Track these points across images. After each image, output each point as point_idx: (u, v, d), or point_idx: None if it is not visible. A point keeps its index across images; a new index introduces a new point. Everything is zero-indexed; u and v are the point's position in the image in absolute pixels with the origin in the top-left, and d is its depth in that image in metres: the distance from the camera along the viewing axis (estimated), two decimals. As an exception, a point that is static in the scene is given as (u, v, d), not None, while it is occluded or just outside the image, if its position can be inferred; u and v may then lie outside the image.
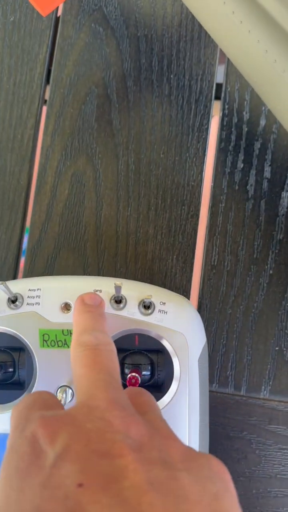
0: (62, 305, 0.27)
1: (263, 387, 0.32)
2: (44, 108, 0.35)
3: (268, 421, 0.32)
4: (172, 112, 0.35)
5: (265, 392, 0.32)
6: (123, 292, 0.27)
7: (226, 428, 0.32)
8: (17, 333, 0.27)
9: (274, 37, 0.24)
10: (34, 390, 0.26)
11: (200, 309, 0.32)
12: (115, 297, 0.27)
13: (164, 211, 0.34)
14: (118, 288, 0.25)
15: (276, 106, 0.26)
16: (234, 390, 0.32)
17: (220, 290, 0.33)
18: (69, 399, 0.26)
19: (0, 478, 0.17)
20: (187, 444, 0.26)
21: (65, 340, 0.26)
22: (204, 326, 0.30)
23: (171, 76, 0.35)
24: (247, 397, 0.32)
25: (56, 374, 0.26)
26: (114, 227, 0.34)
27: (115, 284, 0.25)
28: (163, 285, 0.33)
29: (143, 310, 0.27)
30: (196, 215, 0.33)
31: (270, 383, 0.32)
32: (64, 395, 0.26)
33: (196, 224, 0.33)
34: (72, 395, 0.26)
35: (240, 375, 0.32)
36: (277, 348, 0.32)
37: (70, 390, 0.26)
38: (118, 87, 0.35)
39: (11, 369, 0.27)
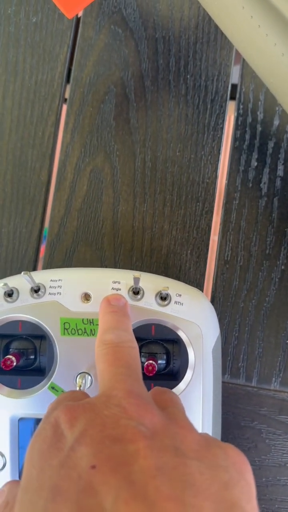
0: (82, 295, 0.28)
1: (273, 378, 0.33)
2: (64, 106, 0.37)
3: (278, 412, 0.33)
4: (188, 111, 0.36)
5: (275, 383, 0.33)
6: (141, 284, 0.28)
7: (237, 418, 0.33)
8: (39, 321, 0.28)
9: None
10: (54, 376, 0.28)
11: (213, 302, 0.33)
12: (133, 289, 0.28)
13: (179, 207, 0.35)
14: (136, 280, 0.26)
15: None
16: (246, 381, 0.33)
17: (233, 285, 0.34)
18: (88, 385, 0.27)
19: (25, 458, 0.18)
20: (200, 431, 0.27)
21: (85, 328, 0.28)
22: (218, 318, 0.31)
23: (188, 76, 0.36)
24: (258, 388, 0.33)
25: (76, 361, 0.28)
26: (131, 222, 0.35)
27: (134, 275, 0.26)
28: (177, 278, 0.34)
29: (160, 301, 0.28)
30: (210, 212, 0.35)
31: (281, 375, 0.33)
32: (84, 381, 0.27)
33: (210, 220, 0.35)
34: (91, 381, 0.27)
35: (252, 366, 0.33)
36: (287, 341, 0.33)
37: (90, 377, 0.27)
38: (136, 87, 0.36)
39: (32, 356, 0.28)
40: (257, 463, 0.32)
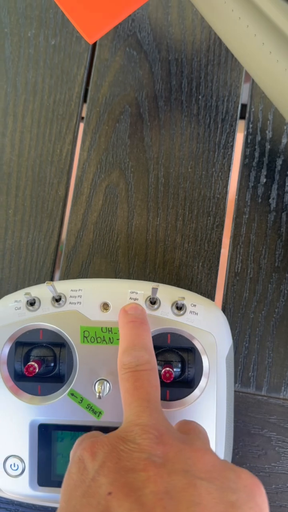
0: (101, 305, 0.29)
1: (283, 387, 0.34)
2: (81, 125, 0.38)
3: (288, 420, 0.34)
4: (200, 130, 0.37)
5: (285, 392, 0.34)
6: (157, 295, 0.29)
7: (247, 426, 0.34)
8: (60, 330, 0.29)
9: None
10: (74, 383, 0.29)
11: (224, 313, 0.34)
12: (150, 299, 0.29)
13: (191, 221, 0.36)
14: (154, 290, 0.27)
15: None
16: (256, 390, 0.34)
17: (243, 296, 0.35)
18: (107, 391, 0.28)
19: (61, 494, 0.21)
20: (213, 437, 0.28)
21: (103, 336, 0.29)
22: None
23: (199, 97, 0.38)
24: (268, 397, 0.34)
25: (95, 368, 0.29)
26: (144, 235, 0.36)
27: (152, 286, 0.27)
28: (189, 290, 0.35)
29: (175, 311, 0.29)
30: (221, 225, 0.36)
31: (290, 384, 0.34)
32: (102, 387, 0.28)
33: (221, 233, 0.36)
34: (110, 388, 0.28)
35: (262, 376, 0.34)
36: (296, 351, 0.34)
37: (108, 383, 0.29)
38: (150, 107, 0.38)
39: (52, 364, 0.29)
40: (267, 470, 0.33)
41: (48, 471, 0.29)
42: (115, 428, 0.29)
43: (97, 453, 0.21)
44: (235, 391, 0.34)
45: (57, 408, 0.29)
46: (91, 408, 0.29)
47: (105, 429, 0.29)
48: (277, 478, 0.33)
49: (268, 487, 0.33)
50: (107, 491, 0.19)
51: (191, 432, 0.23)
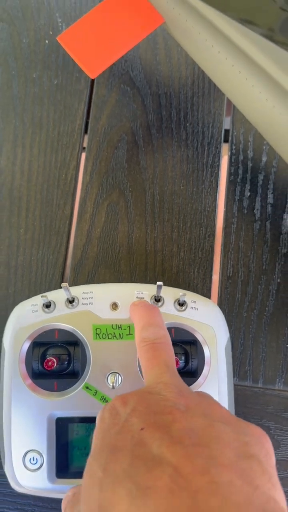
0: (111, 304, 0.31)
1: (277, 379, 0.36)
2: (83, 153, 0.41)
3: (284, 409, 0.35)
4: (189, 153, 0.41)
5: (279, 384, 0.35)
6: (161, 294, 0.31)
7: (247, 417, 0.35)
8: (74, 328, 0.31)
9: (273, 90, 0.30)
10: (88, 377, 0.30)
11: (220, 313, 0.36)
12: (155, 297, 0.31)
13: (185, 232, 0.39)
14: (159, 287, 0.30)
15: (276, 142, 0.32)
16: (252, 383, 0.36)
17: (236, 297, 0.37)
18: (119, 383, 0.30)
19: (93, 438, 0.23)
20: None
21: (114, 333, 0.31)
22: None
23: (187, 124, 0.41)
24: (264, 389, 0.35)
25: (107, 362, 0.30)
26: (144, 246, 0.38)
27: (157, 283, 0.29)
28: (187, 295, 0.37)
29: (178, 307, 0.31)
30: (212, 235, 0.39)
31: (284, 375, 0.36)
32: (115, 379, 0.30)
33: (213, 242, 0.39)
34: (121, 380, 0.30)
35: (257, 369, 0.36)
36: (287, 345, 0.36)
37: (120, 376, 0.30)
38: (144, 135, 0.41)
39: (67, 361, 0.31)
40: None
41: (65, 464, 0.30)
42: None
43: (128, 401, 0.22)
44: (233, 384, 0.35)
45: (73, 402, 0.30)
46: (104, 400, 0.30)
47: (118, 419, 0.30)
48: (278, 465, 0.34)
49: (271, 473, 0.34)
50: (139, 427, 0.20)
51: (205, 394, 0.25)
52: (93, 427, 0.30)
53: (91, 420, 0.30)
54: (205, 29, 0.32)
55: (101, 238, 0.39)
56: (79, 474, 0.30)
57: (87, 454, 0.31)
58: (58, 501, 0.33)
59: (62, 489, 0.30)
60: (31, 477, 0.30)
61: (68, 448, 0.30)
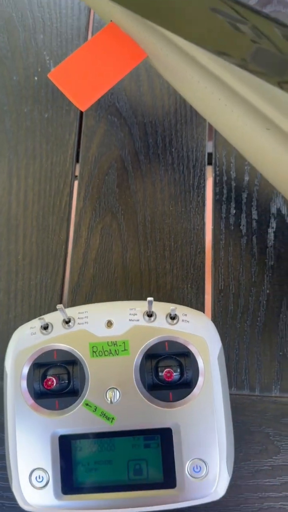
0: (106, 323, 0.32)
1: (273, 386, 0.36)
2: (76, 180, 0.43)
3: (281, 415, 0.35)
4: (176, 176, 0.42)
5: (276, 390, 0.36)
6: (153, 309, 0.32)
7: (246, 424, 0.35)
8: (72, 348, 0.32)
9: (252, 115, 0.32)
10: (87, 394, 0.31)
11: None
12: (147, 312, 0.32)
13: (177, 250, 0.40)
14: (150, 302, 0.31)
15: (257, 162, 0.34)
16: (250, 391, 0.36)
17: (229, 309, 0.38)
18: (117, 398, 0.31)
19: None
20: (215, 428, 0.30)
21: (110, 349, 0.31)
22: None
23: (172, 150, 0.43)
24: (261, 396, 0.36)
25: (105, 378, 0.31)
26: (138, 265, 0.40)
27: (148, 299, 0.30)
28: (181, 310, 0.38)
29: (170, 320, 0.32)
30: (203, 252, 0.40)
31: (279, 382, 0.36)
32: (113, 394, 0.30)
33: (204, 258, 0.40)
34: (120, 395, 0.31)
35: (253, 378, 0.36)
36: (281, 353, 0.37)
37: (118, 391, 0.31)
38: (132, 161, 0.43)
39: (66, 380, 0.32)
40: (269, 464, 0.35)
41: (70, 480, 0.31)
42: (127, 432, 0.31)
43: None
44: (231, 394, 0.36)
45: (75, 419, 0.31)
46: (104, 415, 0.31)
47: (119, 433, 0.31)
48: (280, 470, 0.34)
49: (273, 479, 0.34)
50: None
51: None
52: (96, 443, 0.31)
53: (92, 436, 0.31)
54: (185, 62, 0.34)
55: (97, 260, 0.40)
56: (84, 490, 0.31)
57: (91, 470, 0.31)
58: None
59: (68, 505, 0.30)
60: (38, 495, 0.30)
61: (73, 465, 0.31)
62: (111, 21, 0.35)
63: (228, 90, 0.32)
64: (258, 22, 0.27)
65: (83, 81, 0.33)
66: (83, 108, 0.33)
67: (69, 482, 0.31)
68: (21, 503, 0.31)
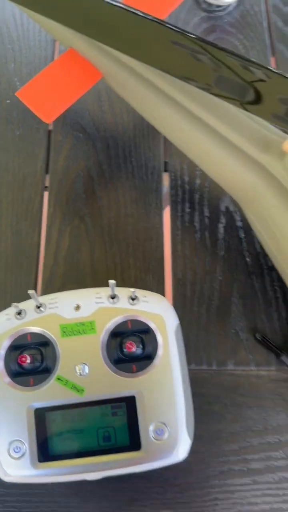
0: (75, 306, 0.35)
1: (228, 361, 0.40)
2: (46, 190, 0.47)
3: (237, 387, 0.39)
4: (136, 182, 0.47)
5: (230, 364, 0.39)
6: (116, 292, 0.36)
7: (205, 396, 0.39)
8: (44, 330, 0.35)
9: (200, 128, 0.36)
10: (59, 370, 0.34)
11: (174, 309, 0.41)
12: (111, 295, 0.36)
13: (139, 247, 0.44)
14: (112, 284, 0.34)
15: (206, 167, 0.38)
16: (207, 366, 0.39)
17: (187, 296, 0.42)
18: (86, 372, 0.34)
19: None
20: (174, 395, 0.33)
21: (78, 329, 0.35)
22: (180, 322, 0.38)
23: (132, 159, 0.48)
24: (218, 370, 0.39)
25: (74, 355, 0.34)
26: (105, 262, 0.43)
27: (109, 282, 0.34)
28: (144, 299, 0.42)
29: (131, 301, 0.36)
30: (162, 246, 0.44)
31: (234, 357, 0.40)
32: (82, 368, 0.33)
33: (163, 252, 0.44)
34: (88, 368, 0.34)
35: (210, 354, 0.40)
36: (233, 331, 0.40)
37: (86, 366, 0.34)
38: (97, 170, 0.47)
39: (40, 360, 0.35)
40: (228, 431, 0.38)
41: (46, 449, 0.33)
42: (96, 402, 0.34)
43: None
44: (191, 370, 0.39)
45: (48, 393, 0.33)
46: (74, 387, 0.34)
47: (88, 404, 0.34)
48: (238, 436, 0.38)
49: (232, 444, 0.37)
50: None
51: None
52: (68, 413, 0.34)
53: (64, 407, 0.34)
54: (141, 84, 0.38)
55: (67, 259, 0.44)
56: (58, 457, 0.33)
57: (64, 439, 0.34)
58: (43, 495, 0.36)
59: (44, 473, 0.33)
60: (16, 465, 0.32)
61: (47, 435, 0.33)
62: (70, 47, 0.40)
63: (180, 108, 0.37)
64: (216, 54, 0.29)
65: (47, 98, 0.38)
66: (48, 121, 0.37)
67: (44, 451, 0.33)
68: (1, 475, 0.33)
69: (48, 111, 0.37)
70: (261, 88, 0.29)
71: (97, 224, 0.45)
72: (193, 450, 0.34)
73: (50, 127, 0.49)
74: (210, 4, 0.55)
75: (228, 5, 0.55)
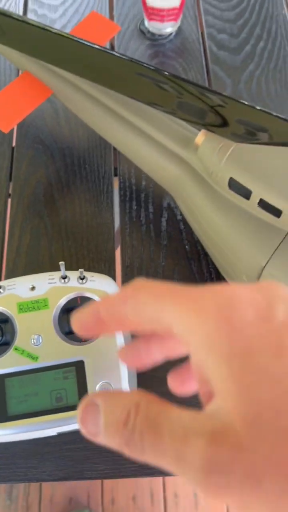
0: (30, 287, 0.40)
1: (170, 334, 0.44)
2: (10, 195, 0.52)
3: (178, 356, 0.43)
4: (89, 185, 0.52)
5: (172, 337, 0.44)
6: (67, 273, 0.41)
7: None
8: (3, 308, 0.39)
9: (144, 140, 0.42)
10: (16, 341, 0.38)
11: (122, 293, 0.46)
12: (62, 276, 0.40)
13: (92, 240, 0.49)
14: (62, 265, 0.39)
15: (151, 172, 0.44)
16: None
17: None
18: (40, 341, 0.38)
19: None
20: (117, 359, 0.38)
21: (33, 306, 0.39)
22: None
23: (86, 166, 0.53)
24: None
25: (30, 328, 0.38)
26: (62, 254, 0.48)
27: (60, 263, 0.39)
28: (98, 285, 0.47)
29: (80, 281, 0.40)
30: (112, 238, 0.49)
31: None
32: (36, 338, 0.38)
33: (113, 244, 0.49)
34: (42, 339, 0.38)
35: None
36: (175, 308, 0.45)
37: (40, 337, 0.38)
38: (55, 176, 0.53)
39: (1, 336, 0.39)
40: (170, 393, 0.42)
41: (5, 411, 0.37)
42: (49, 367, 0.38)
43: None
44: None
45: (7, 362, 0.38)
46: (30, 355, 0.38)
47: (42, 369, 0.38)
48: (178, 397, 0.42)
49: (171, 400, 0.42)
50: None
51: None
52: (25, 379, 0.38)
53: (22, 373, 0.38)
54: (80, 96, 0.44)
55: (28, 253, 0.48)
56: (16, 418, 0.37)
57: (21, 401, 0.38)
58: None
59: (4, 433, 0.36)
60: (-22, 426, 0.36)
61: (6, 399, 0.37)
62: (25, 70, 0.46)
63: (127, 123, 0.43)
64: (176, 83, 0.32)
65: (5, 112, 0.44)
66: (5, 130, 0.43)
67: (4, 413, 0.37)
68: None
69: (6, 123, 0.43)
70: (222, 112, 0.31)
71: (55, 223, 0.50)
72: (139, 411, 0.38)
73: (14, 144, 0.55)
74: (153, 34, 0.63)
75: (170, 34, 0.63)
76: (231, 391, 0.14)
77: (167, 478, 1.00)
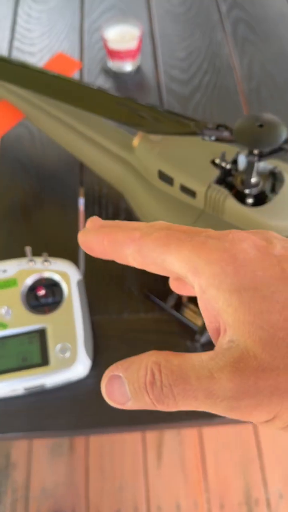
0: (2, 270, 0.47)
1: (124, 310, 0.51)
2: (-9, 203, 0.60)
3: (130, 330, 0.50)
4: (59, 193, 0.60)
5: (125, 313, 0.51)
6: (34, 258, 0.48)
7: (107, 338, 0.49)
8: (-21, 287, 0.46)
9: (102, 153, 0.51)
10: (-10, 314, 0.45)
11: (86, 275, 0.53)
12: (29, 259, 0.48)
13: (61, 237, 0.56)
14: (29, 250, 0.46)
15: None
16: (108, 315, 0.51)
17: (95, 267, 0.54)
18: (9, 313, 0.45)
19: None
20: (75, 325, 0.44)
21: (4, 284, 0.46)
22: (89, 287, 0.50)
23: (57, 178, 0.62)
24: (116, 318, 0.50)
25: (0, 302, 0.45)
26: (35, 248, 0.56)
27: (25, 248, 0.46)
28: (64, 275, 0.54)
29: (45, 264, 0.47)
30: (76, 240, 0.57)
31: (127, 308, 0.51)
32: (5, 310, 0.44)
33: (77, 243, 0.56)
34: (11, 312, 0.45)
35: (110, 306, 0.51)
36: (128, 289, 0.52)
37: (9, 309, 0.45)
38: (30, 188, 0.61)
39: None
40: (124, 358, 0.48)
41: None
42: (16, 335, 0.44)
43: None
44: (95, 317, 0.50)
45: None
46: (0, 324, 0.44)
47: (11, 336, 0.44)
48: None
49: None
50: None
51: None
52: (-4, 345, 0.44)
53: (-6, 339, 0.44)
54: (41, 114, 0.53)
55: (4, 246, 0.56)
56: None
57: (-7, 363, 0.44)
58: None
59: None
60: None
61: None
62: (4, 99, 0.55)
63: (89, 140, 0.51)
64: (152, 111, 0.39)
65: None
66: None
67: (-22, 372, 0.43)
68: None
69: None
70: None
71: (28, 225, 0.58)
72: (95, 375, 0.44)
73: (-5, 160, 0.64)
74: (116, 72, 0.73)
75: (130, 72, 0.73)
76: (245, 320, 0.15)
77: (150, 492, 1.02)
